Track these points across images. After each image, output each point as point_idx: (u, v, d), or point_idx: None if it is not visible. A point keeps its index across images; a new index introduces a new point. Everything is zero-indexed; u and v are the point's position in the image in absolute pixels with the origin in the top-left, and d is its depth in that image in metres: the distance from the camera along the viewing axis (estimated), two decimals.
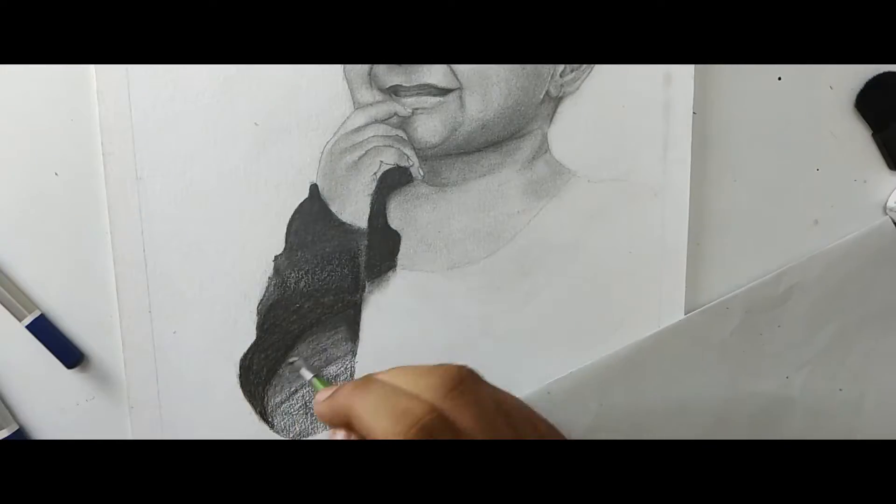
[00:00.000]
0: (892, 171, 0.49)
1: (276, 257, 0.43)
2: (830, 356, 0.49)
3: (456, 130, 0.43)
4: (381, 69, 0.42)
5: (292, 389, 0.45)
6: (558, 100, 0.44)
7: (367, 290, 0.44)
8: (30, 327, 0.41)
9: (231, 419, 0.44)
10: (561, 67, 0.44)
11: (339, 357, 0.45)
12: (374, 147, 0.43)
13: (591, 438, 0.46)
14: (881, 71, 0.48)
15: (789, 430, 0.48)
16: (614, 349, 0.46)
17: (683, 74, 0.45)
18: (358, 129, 0.43)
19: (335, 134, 0.42)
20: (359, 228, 0.44)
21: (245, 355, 0.44)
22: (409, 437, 0.32)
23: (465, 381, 0.35)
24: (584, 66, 0.44)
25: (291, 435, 0.45)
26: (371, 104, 0.42)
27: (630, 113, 0.45)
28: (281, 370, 0.44)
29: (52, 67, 0.40)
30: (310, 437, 0.45)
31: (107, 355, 0.43)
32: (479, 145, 0.44)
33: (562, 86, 0.44)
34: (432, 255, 0.45)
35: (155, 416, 0.43)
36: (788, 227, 0.49)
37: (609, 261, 0.46)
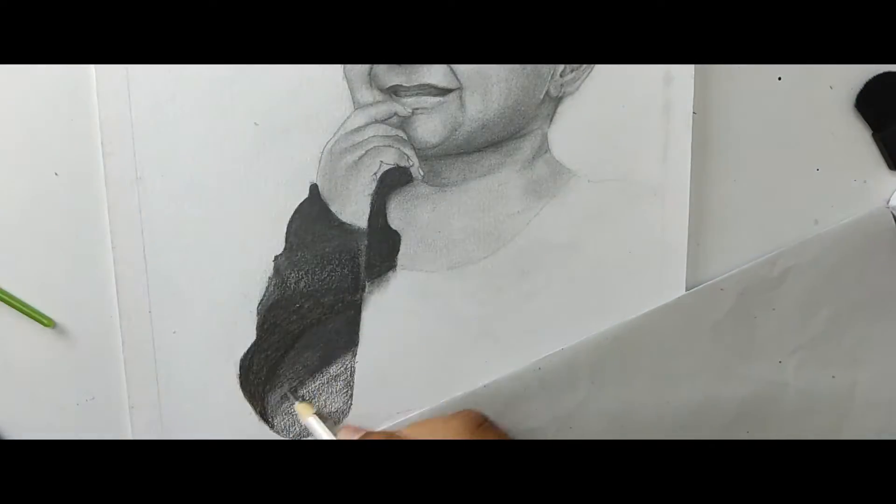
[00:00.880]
0: (892, 171, 0.49)
1: (276, 257, 0.43)
2: (824, 341, 0.48)
3: (456, 130, 0.43)
4: (381, 69, 0.42)
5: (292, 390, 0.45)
6: (558, 100, 0.44)
7: (367, 290, 0.44)
8: None
9: (231, 419, 0.44)
10: (561, 67, 0.44)
11: (339, 357, 0.45)
12: (374, 147, 0.43)
13: (581, 415, 0.46)
14: (881, 71, 0.48)
15: (780, 414, 0.48)
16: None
17: (683, 74, 0.45)
18: (358, 129, 0.43)
19: (335, 134, 0.42)
20: (359, 228, 0.44)
21: (245, 355, 0.44)
22: None
23: (486, 421, 0.37)
24: (584, 66, 0.44)
25: (291, 435, 0.45)
26: (371, 104, 0.42)
27: (630, 113, 0.45)
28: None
29: (52, 67, 0.40)
30: (310, 438, 0.45)
31: (107, 355, 0.43)
32: (479, 145, 0.44)
33: (562, 86, 0.44)
34: (432, 255, 0.45)
35: (155, 416, 0.43)
36: (788, 227, 0.48)
37: (609, 261, 0.46)
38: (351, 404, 0.45)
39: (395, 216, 0.44)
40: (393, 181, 0.44)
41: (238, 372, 0.44)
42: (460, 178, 0.44)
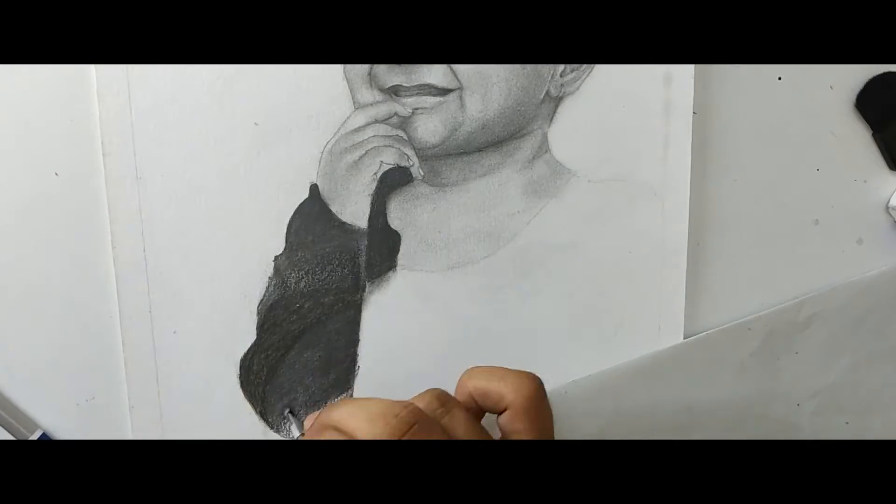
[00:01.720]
0: (892, 171, 0.49)
1: (276, 257, 0.43)
2: (841, 388, 0.49)
3: (456, 130, 0.43)
4: (381, 69, 0.42)
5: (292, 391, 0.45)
6: (558, 100, 0.44)
7: (367, 290, 0.44)
8: None
9: (231, 419, 0.44)
10: (561, 67, 0.44)
11: (339, 357, 0.45)
12: (375, 147, 0.43)
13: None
14: (881, 71, 0.48)
15: None
16: (615, 348, 0.46)
17: (683, 74, 0.45)
18: (358, 129, 0.43)
19: (335, 134, 0.42)
20: (359, 228, 0.44)
21: (245, 355, 0.44)
22: (389, 430, 0.33)
23: (448, 398, 0.36)
24: (584, 66, 0.44)
25: (291, 435, 0.45)
26: (371, 104, 0.42)
27: (630, 113, 0.45)
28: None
29: (52, 67, 0.40)
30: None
31: (107, 355, 0.43)
32: (480, 145, 0.44)
33: (562, 86, 0.44)
34: (432, 255, 0.45)
35: (155, 416, 0.43)
36: (788, 227, 0.49)
37: (609, 261, 0.46)
38: None
39: (396, 216, 0.44)
40: (393, 181, 0.44)
41: (238, 372, 0.44)
42: (460, 178, 0.44)
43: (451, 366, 0.45)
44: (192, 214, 0.42)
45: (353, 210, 0.43)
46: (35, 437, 0.42)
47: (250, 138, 0.42)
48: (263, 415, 0.44)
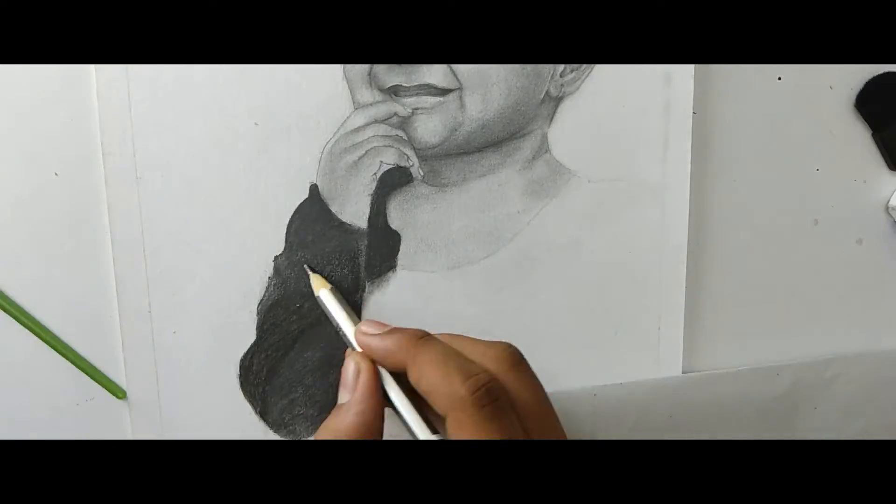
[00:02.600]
0: (892, 171, 0.49)
1: (276, 257, 0.43)
2: None
3: (456, 130, 0.43)
4: (381, 69, 0.42)
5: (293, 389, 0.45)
6: (558, 100, 0.44)
7: (367, 290, 0.44)
8: None
9: (231, 419, 0.44)
10: (561, 67, 0.44)
11: (339, 357, 0.44)
12: (374, 147, 0.43)
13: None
14: (881, 71, 0.48)
15: None
16: (615, 348, 0.47)
17: (683, 74, 0.45)
18: (358, 130, 0.43)
19: (335, 134, 0.42)
20: (359, 228, 0.44)
21: (245, 355, 0.44)
22: (475, 398, 0.33)
23: (524, 361, 0.36)
24: (584, 66, 0.44)
25: (291, 435, 0.45)
26: (371, 104, 0.42)
27: (630, 113, 0.45)
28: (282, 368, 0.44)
29: (52, 67, 0.40)
30: (310, 437, 0.45)
31: (107, 355, 0.43)
32: (479, 145, 0.44)
33: (562, 86, 0.44)
34: (432, 255, 0.45)
35: (155, 416, 0.43)
36: (788, 227, 0.49)
37: (609, 261, 0.46)
38: None
39: (395, 216, 0.44)
40: (393, 181, 0.44)
41: (238, 372, 0.44)
42: (460, 178, 0.44)
43: None
44: (192, 214, 0.42)
45: (353, 210, 0.43)
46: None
47: (250, 138, 0.42)
48: (263, 415, 0.44)
